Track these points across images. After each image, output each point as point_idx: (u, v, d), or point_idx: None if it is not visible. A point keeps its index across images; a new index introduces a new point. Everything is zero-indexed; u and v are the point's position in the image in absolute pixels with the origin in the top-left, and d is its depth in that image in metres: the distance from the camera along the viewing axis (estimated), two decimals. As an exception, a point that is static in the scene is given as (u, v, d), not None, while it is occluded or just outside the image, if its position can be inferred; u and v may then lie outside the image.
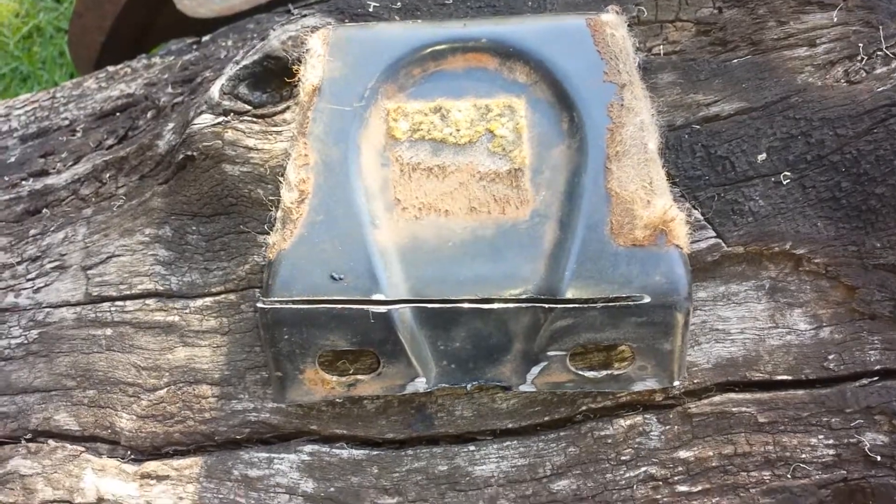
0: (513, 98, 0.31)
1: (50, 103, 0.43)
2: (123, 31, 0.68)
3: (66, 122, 0.42)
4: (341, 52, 0.32)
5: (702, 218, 0.31)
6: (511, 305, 0.29)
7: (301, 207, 0.30)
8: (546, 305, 0.28)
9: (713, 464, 0.31)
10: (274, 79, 0.34)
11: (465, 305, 0.29)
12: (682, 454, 0.31)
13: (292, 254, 0.29)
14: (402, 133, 0.31)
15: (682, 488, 0.31)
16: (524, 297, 0.29)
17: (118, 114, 0.41)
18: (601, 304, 0.28)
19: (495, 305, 0.29)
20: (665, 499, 0.31)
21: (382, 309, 0.28)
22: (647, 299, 0.28)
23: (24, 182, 0.40)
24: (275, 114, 0.33)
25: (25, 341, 0.35)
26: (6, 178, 0.41)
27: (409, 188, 0.30)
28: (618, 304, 0.28)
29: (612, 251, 0.29)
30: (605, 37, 0.32)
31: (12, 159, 0.42)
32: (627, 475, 0.31)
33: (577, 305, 0.28)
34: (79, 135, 0.41)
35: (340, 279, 0.29)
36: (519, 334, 0.29)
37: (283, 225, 0.30)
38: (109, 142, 0.40)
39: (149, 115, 0.39)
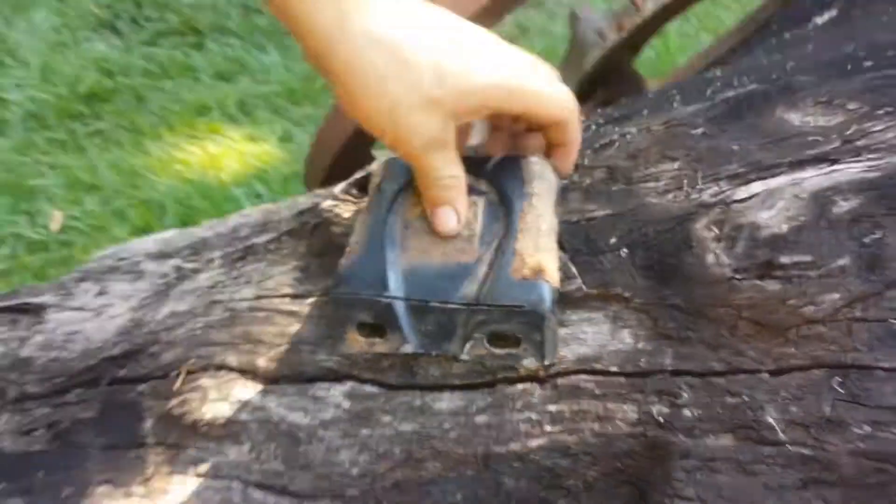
0: (476, 198, 0.56)
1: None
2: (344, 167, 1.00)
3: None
4: (387, 171, 0.59)
5: (574, 271, 0.53)
6: (455, 306, 0.53)
7: (355, 246, 0.56)
8: (472, 307, 0.52)
9: (566, 415, 0.51)
10: (367, 184, 0.62)
11: (433, 304, 0.53)
12: (550, 408, 0.52)
13: (346, 269, 0.55)
14: (412, 214, 0.57)
15: (547, 428, 0.51)
16: (463, 302, 0.53)
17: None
18: (499, 308, 0.51)
19: (448, 306, 0.53)
20: (536, 432, 0.51)
21: (387, 301, 0.54)
22: (525, 307, 0.51)
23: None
24: (363, 200, 0.61)
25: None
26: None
27: (412, 241, 0.56)
28: (508, 308, 0.51)
29: (511, 282, 0.52)
30: (531, 168, 0.56)
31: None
32: (518, 417, 0.52)
33: (487, 308, 0.51)
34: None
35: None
36: (460, 324, 0.53)
37: (346, 254, 0.57)
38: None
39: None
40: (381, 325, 0.52)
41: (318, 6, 0.47)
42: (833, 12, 0.81)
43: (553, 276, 0.51)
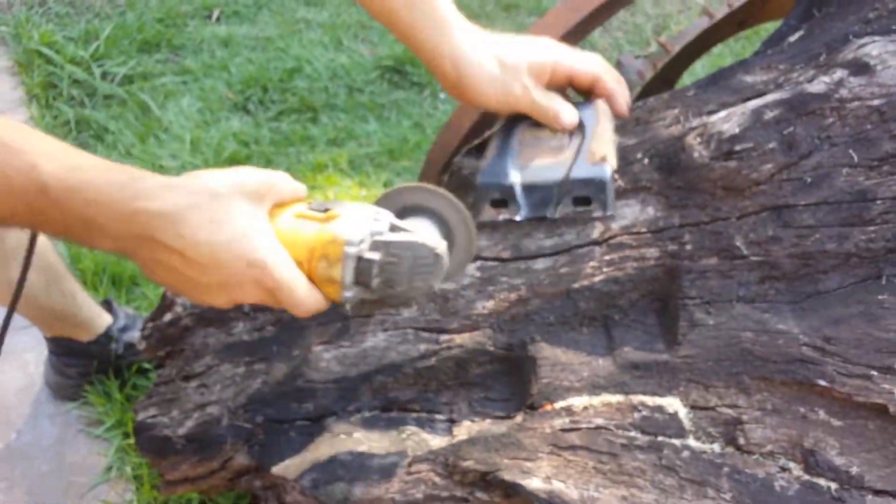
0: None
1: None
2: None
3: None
4: (503, 120, 0.94)
5: (616, 177, 0.86)
6: (550, 183, 0.84)
7: (488, 157, 0.87)
8: (561, 182, 0.84)
9: (616, 261, 0.83)
10: (483, 148, 0.97)
11: (537, 183, 0.84)
12: (605, 258, 0.84)
13: (484, 168, 0.84)
14: (524, 135, 0.90)
15: (605, 269, 0.84)
16: (555, 180, 0.84)
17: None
18: (578, 180, 0.83)
19: (547, 183, 0.84)
20: (598, 273, 0.84)
21: (508, 184, 0.85)
22: (595, 178, 0.82)
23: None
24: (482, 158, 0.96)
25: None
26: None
27: (524, 151, 0.85)
28: (584, 180, 0.82)
29: (586, 165, 0.83)
30: (598, 106, 0.87)
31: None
32: (586, 265, 0.85)
33: (571, 181, 0.84)
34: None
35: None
36: (554, 195, 0.84)
37: (483, 159, 0.89)
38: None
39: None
40: (505, 200, 0.85)
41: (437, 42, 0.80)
42: (801, 32, 1.15)
43: (612, 161, 0.81)
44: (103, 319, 1.47)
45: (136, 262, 0.66)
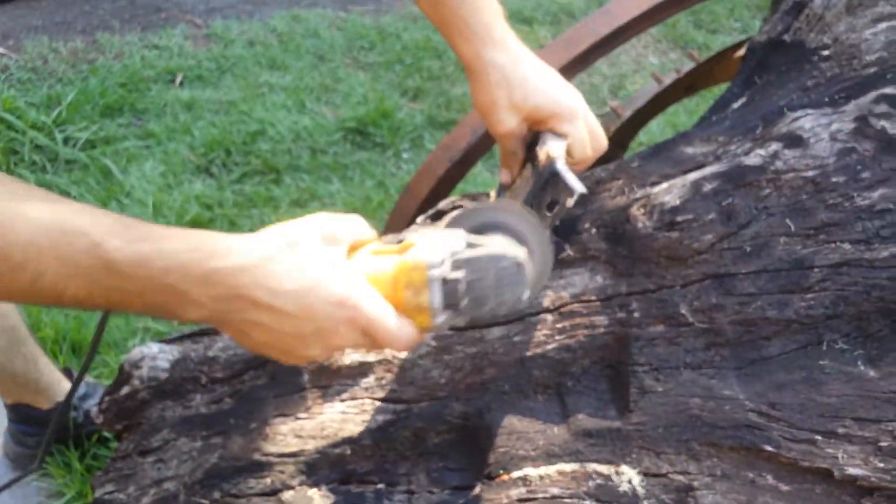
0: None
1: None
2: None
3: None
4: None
5: (566, 246, 0.89)
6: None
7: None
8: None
9: (567, 328, 0.85)
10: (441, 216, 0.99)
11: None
12: (557, 325, 0.86)
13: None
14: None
15: (557, 337, 0.85)
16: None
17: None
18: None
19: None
20: (550, 341, 0.85)
21: None
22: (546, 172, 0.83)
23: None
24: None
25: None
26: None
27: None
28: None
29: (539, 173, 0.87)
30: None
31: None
32: (539, 333, 0.86)
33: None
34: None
35: None
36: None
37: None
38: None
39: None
40: None
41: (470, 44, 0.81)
42: (744, 99, 1.20)
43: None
44: (63, 387, 1.45)
45: (229, 332, 0.64)
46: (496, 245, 0.67)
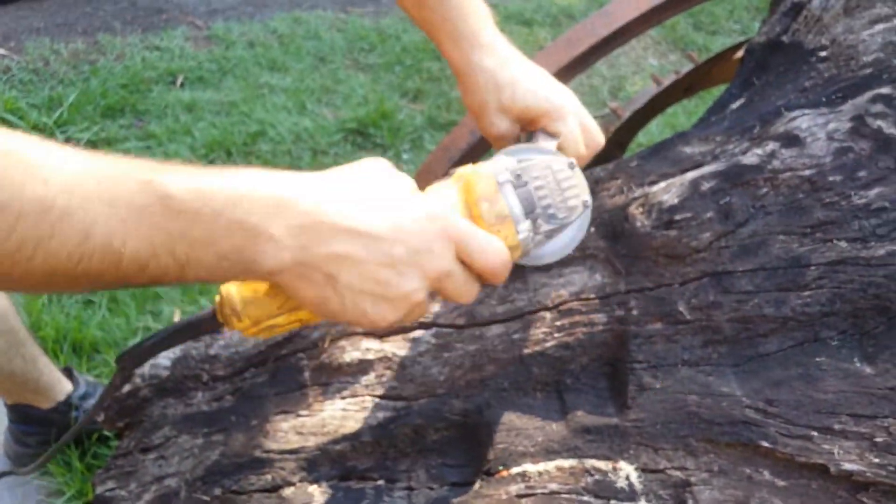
0: None
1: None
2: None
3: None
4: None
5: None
6: None
7: None
8: None
9: (567, 326, 0.86)
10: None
11: None
12: (557, 323, 0.87)
13: None
14: None
15: (556, 335, 0.86)
16: None
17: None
18: None
19: None
20: (549, 339, 0.86)
21: None
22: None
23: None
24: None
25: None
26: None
27: None
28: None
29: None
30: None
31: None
32: (538, 331, 0.87)
33: None
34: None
35: None
36: None
37: None
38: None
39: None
40: None
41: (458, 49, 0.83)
42: (742, 100, 1.21)
43: None
44: (64, 386, 1.46)
45: (311, 290, 0.55)
46: (542, 157, 0.70)
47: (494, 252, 0.60)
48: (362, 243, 0.54)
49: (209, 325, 0.69)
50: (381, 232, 0.54)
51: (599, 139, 0.85)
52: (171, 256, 0.50)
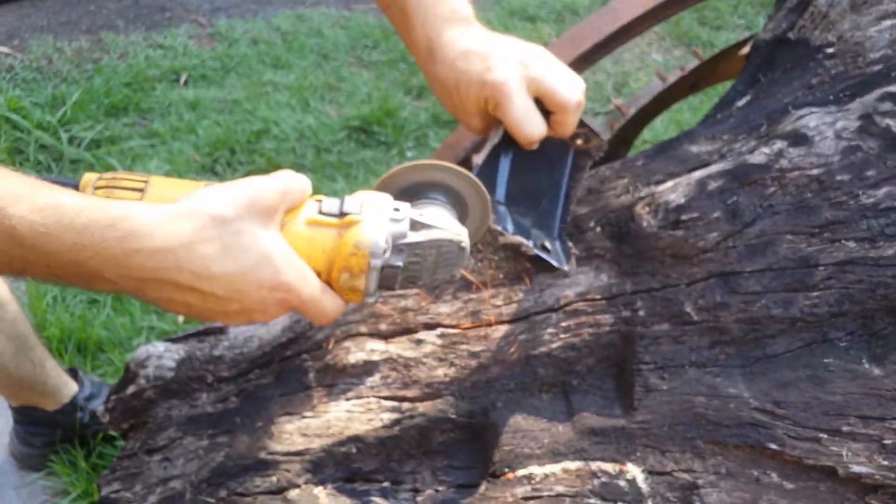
0: None
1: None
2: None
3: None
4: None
5: (570, 244, 0.89)
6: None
7: None
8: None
9: (572, 327, 0.86)
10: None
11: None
12: (563, 324, 0.86)
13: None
14: None
15: (562, 336, 0.86)
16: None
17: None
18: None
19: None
20: (556, 339, 0.85)
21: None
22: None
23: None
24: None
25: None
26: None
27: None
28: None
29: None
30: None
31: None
32: (544, 332, 0.86)
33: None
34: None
35: None
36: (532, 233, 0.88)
37: None
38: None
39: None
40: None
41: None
42: (748, 97, 1.20)
43: None
44: (69, 388, 1.46)
45: (146, 301, 0.60)
46: (441, 225, 0.66)
47: (327, 317, 0.64)
48: (198, 298, 0.58)
49: None
50: (220, 294, 0.58)
51: (568, 98, 0.75)
52: (8, 267, 0.55)
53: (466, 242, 0.67)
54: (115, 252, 0.54)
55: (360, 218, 0.62)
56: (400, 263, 0.64)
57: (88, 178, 0.64)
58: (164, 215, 0.56)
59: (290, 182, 0.63)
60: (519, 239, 0.77)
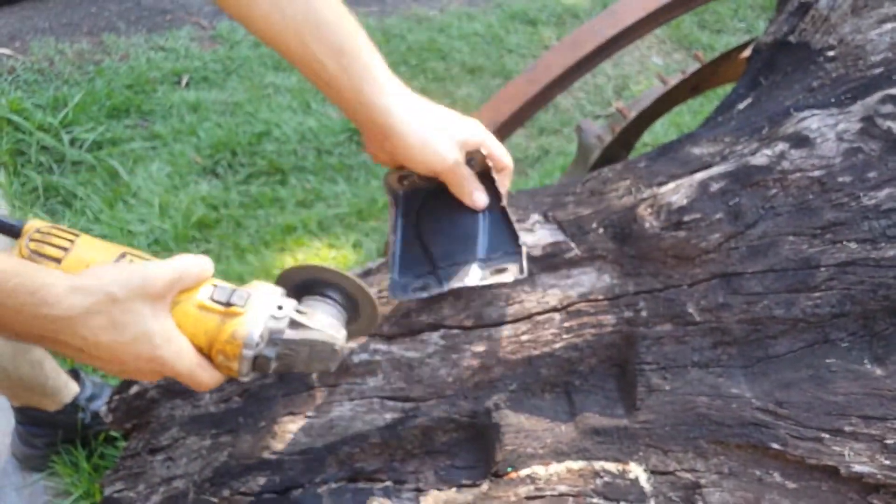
0: None
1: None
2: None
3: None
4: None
5: (573, 245, 0.89)
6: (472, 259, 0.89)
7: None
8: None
9: (575, 327, 0.86)
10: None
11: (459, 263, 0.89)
12: (565, 325, 0.86)
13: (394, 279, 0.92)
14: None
15: (564, 336, 0.86)
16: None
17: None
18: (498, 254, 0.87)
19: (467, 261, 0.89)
20: (558, 340, 0.86)
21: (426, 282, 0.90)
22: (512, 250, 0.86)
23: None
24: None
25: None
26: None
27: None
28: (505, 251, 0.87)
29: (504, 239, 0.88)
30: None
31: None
32: (547, 332, 0.87)
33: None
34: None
35: None
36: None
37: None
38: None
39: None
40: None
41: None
42: (749, 100, 1.20)
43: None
44: (70, 389, 1.46)
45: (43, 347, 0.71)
46: (318, 326, 0.74)
47: (201, 387, 0.74)
48: (86, 356, 0.69)
49: None
50: (104, 357, 0.69)
51: (502, 163, 0.87)
52: None
53: (340, 345, 0.75)
54: (28, 313, 0.64)
55: (244, 310, 0.71)
56: (272, 355, 0.72)
57: (31, 225, 0.74)
58: (72, 288, 0.66)
59: (187, 268, 0.72)
60: (425, 295, 0.86)
